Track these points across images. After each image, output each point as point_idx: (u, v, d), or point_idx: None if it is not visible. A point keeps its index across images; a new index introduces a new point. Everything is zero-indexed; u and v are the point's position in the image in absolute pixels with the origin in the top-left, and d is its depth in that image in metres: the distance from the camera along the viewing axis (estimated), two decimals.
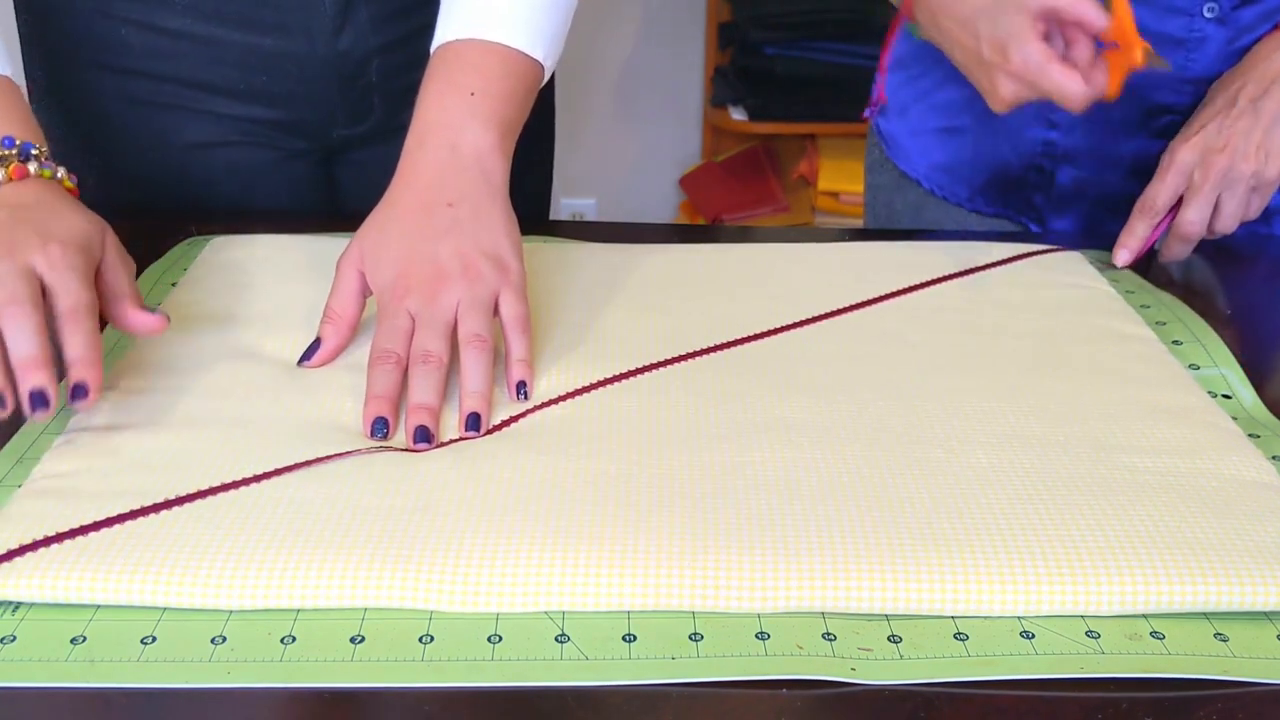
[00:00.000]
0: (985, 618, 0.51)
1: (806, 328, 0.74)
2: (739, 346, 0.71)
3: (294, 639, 0.49)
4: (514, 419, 0.63)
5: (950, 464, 0.59)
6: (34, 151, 0.66)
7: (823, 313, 0.75)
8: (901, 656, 0.49)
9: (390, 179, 0.71)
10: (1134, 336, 0.73)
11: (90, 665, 0.47)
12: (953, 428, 0.62)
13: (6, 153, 0.65)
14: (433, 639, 0.49)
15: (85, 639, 0.48)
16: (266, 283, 0.76)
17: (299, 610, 0.50)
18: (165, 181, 0.93)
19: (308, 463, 0.58)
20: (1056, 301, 0.78)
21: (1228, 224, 0.84)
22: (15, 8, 0.90)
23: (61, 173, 0.67)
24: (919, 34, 0.86)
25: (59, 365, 0.57)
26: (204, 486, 0.56)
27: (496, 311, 0.67)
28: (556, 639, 0.49)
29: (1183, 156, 0.82)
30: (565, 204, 2.64)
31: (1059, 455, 0.60)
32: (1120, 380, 0.68)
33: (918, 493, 0.57)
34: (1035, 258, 0.84)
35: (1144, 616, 0.51)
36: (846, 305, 0.76)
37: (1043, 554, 0.52)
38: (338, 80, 0.90)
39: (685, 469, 0.58)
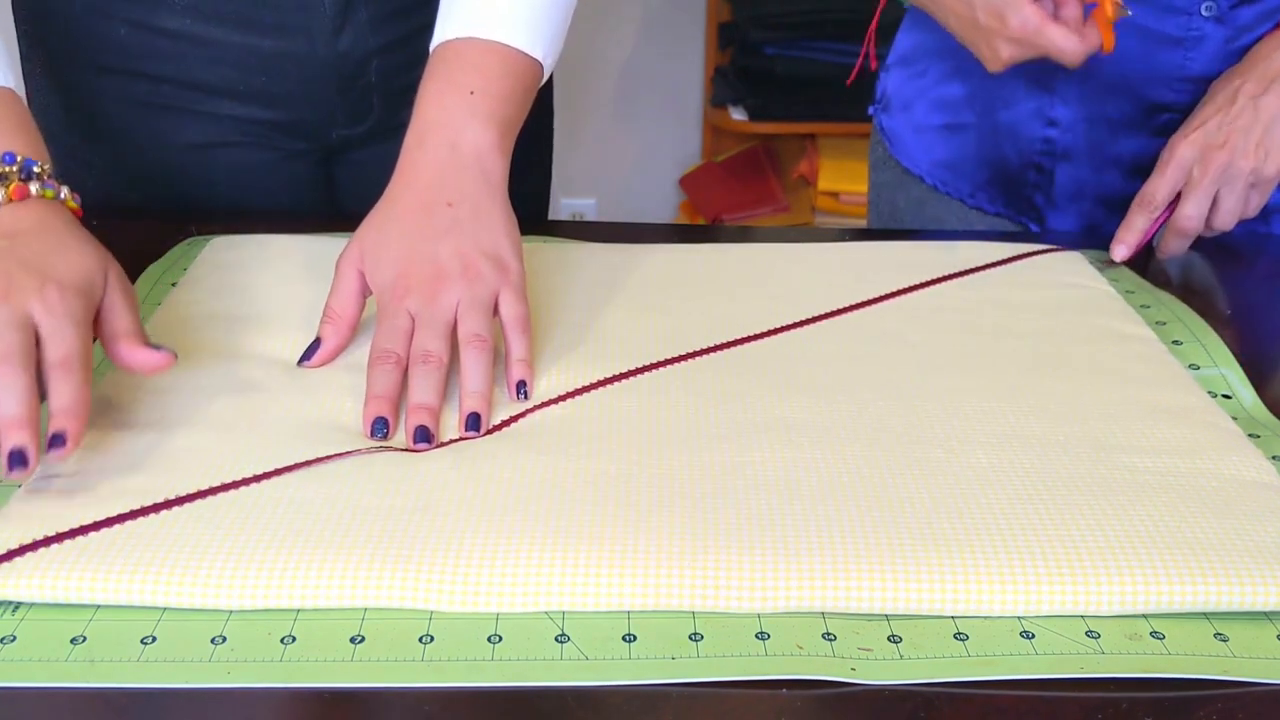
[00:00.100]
0: (985, 618, 0.51)
1: (806, 328, 0.74)
2: (739, 346, 0.71)
3: (294, 639, 0.49)
4: (514, 419, 0.63)
5: (950, 464, 0.59)
6: (36, 170, 0.63)
7: (823, 313, 0.75)
8: (901, 656, 0.49)
9: (389, 179, 0.71)
10: (1134, 336, 0.73)
11: (90, 665, 0.47)
12: (953, 428, 0.62)
13: (7, 170, 0.62)
14: (433, 639, 0.49)
15: (85, 639, 0.48)
16: (266, 283, 0.76)
17: (299, 610, 0.50)
18: (165, 181, 0.93)
19: (308, 463, 0.58)
20: (1056, 301, 0.78)
21: (1226, 220, 0.84)
22: (14, 8, 0.90)
23: (65, 192, 0.64)
24: (909, 1, 0.88)
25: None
26: (204, 486, 0.56)
27: (496, 311, 0.67)
28: (556, 639, 0.49)
29: (1182, 152, 0.83)
30: (565, 204, 2.64)
31: (1059, 455, 0.60)
32: (1120, 380, 0.68)
33: (918, 493, 0.57)
34: (1035, 258, 0.84)
35: (1144, 616, 0.51)
36: (846, 305, 0.76)
37: (1043, 554, 0.52)
38: (337, 80, 0.90)
39: (685, 469, 0.58)
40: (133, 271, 0.76)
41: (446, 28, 0.74)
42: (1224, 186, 0.83)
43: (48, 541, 0.52)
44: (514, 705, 0.46)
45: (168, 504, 0.54)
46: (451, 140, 0.70)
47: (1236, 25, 0.86)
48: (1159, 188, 0.83)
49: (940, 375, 0.68)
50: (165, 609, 0.50)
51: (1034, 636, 0.50)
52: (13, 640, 0.48)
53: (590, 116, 2.61)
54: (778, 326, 0.73)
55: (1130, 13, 0.79)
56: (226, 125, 0.91)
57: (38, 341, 0.56)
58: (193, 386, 0.64)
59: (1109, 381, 0.68)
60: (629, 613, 0.51)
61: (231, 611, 0.50)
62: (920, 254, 0.84)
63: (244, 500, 0.55)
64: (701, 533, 0.53)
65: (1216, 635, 0.50)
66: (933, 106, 1.02)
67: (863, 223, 1.20)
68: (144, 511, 0.54)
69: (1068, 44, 0.78)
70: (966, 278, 0.81)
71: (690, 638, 0.49)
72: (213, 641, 0.48)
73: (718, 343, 0.71)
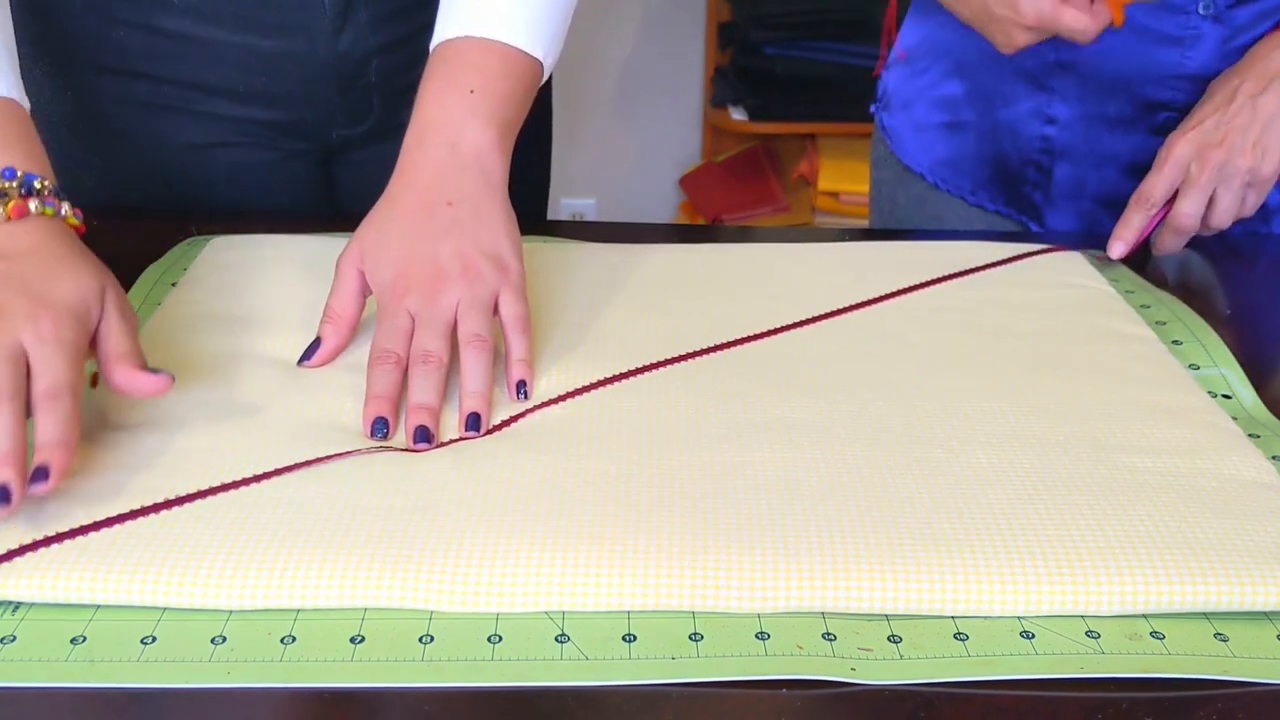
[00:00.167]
0: (985, 618, 0.51)
1: (806, 328, 0.73)
2: (739, 346, 0.71)
3: (294, 639, 0.49)
4: (514, 419, 0.63)
5: (950, 464, 0.59)
6: (37, 185, 0.62)
7: (823, 313, 0.75)
8: (901, 656, 0.49)
9: (389, 178, 0.71)
10: (1134, 336, 0.73)
11: (90, 665, 0.47)
12: (953, 428, 0.62)
13: (7, 185, 0.61)
14: (433, 639, 0.49)
15: (85, 639, 0.48)
16: (266, 283, 0.76)
17: (299, 610, 0.50)
18: (165, 182, 0.93)
19: (308, 463, 0.58)
20: (1056, 301, 0.78)
21: (1222, 219, 0.84)
22: (14, 9, 0.90)
23: (65, 209, 0.63)
24: None
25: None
26: (204, 486, 0.56)
27: (496, 311, 0.67)
28: (556, 639, 0.49)
29: (1180, 150, 0.83)
30: (565, 204, 2.64)
31: (1059, 455, 0.60)
32: (1120, 380, 0.68)
33: (918, 493, 0.57)
34: (1035, 258, 0.84)
35: (1144, 616, 0.51)
36: (846, 305, 0.76)
37: (1043, 554, 0.52)
38: (337, 81, 0.90)
39: (685, 469, 0.58)
40: (133, 271, 0.77)
41: (446, 27, 0.74)
42: (1221, 185, 0.83)
43: (48, 541, 0.52)
44: (514, 705, 0.46)
45: (168, 504, 0.54)
46: (451, 140, 0.70)
47: (1234, 24, 0.86)
48: (1156, 185, 0.84)
49: (940, 375, 0.68)
50: (165, 609, 0.50)
51: (1034, 636, 0.50)
52: (13, 640, 0.48)
53: (590, 116, 2.61)
54: (778, 326, 0.73)
55: None
56: (226, 125, 0.91)
57: (29, 370, 0.55)
58: (192, 386, 0.64)
59: (1109, 381, 0.68)
60: (629, 613, 0.51)
61: (231, 611, 0.50)
62: (920, 254, 0.84)
63: (244, 500, 0.55)
64: (701, 533, 0.53)
65: (1216, 635, 0.50)
66: (933, 105, 1.02)
67: (863, 223, 1.20)
68: (144, 511, 0.54)
69: (1081, 24, 0.79)
70: (966, 278, 0.81)
71: (690, 638, 0.49)
72: (213, 641, 0.48)
73: (718, 343, 0.71)
